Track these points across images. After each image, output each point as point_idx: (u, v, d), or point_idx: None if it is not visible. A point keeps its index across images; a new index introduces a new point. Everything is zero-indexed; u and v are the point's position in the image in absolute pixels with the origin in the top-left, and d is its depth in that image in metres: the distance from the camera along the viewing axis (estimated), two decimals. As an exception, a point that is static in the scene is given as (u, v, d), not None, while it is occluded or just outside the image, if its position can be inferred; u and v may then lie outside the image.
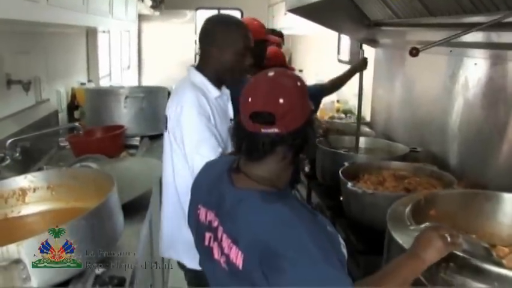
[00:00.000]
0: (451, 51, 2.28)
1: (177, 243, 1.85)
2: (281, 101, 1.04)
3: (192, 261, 1.68)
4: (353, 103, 4.12)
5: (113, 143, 2.57)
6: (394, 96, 3.14)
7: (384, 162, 2.30)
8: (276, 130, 1.04)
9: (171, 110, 1.77)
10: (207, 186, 1.21)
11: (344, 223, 2.08)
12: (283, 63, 3.00)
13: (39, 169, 2.29)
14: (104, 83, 4.23)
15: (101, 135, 2.74)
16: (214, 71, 1.84)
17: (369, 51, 3.56)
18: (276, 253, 0.95)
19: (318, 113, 3.95)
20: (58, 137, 2.94)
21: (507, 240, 1.43)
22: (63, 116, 3.29)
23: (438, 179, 2.06)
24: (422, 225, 1.16)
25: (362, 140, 2.86)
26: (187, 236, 1.33)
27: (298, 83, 1.10)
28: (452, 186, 1.86)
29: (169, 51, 6.90)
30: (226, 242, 1.06)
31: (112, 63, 4.89)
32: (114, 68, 5.04)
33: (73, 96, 3.36)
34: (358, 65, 2.96)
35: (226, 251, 1.06)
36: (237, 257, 1.01)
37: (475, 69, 2.08)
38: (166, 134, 1.85)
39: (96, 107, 3.06)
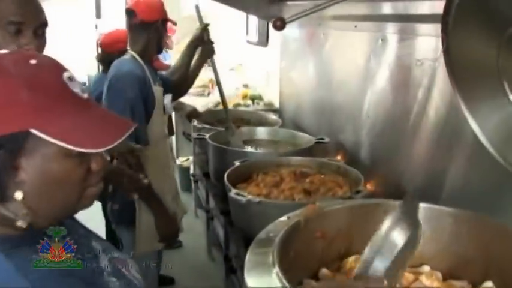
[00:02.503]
0: (355, 26, 2.00)
1: None
2: None
3: None
4: (262, 89, 3.74)
5: None
6: (302, 79, 2.82)
7: (283, 158, 1.99)
8: None
9: None
10: None
11: (238, 233, 1.71)
12: (123, 47, 2.26)
13: None
14: None
15: None
16: None
17: (275, 32, 3.17)
18: None
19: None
20: None
21: (418, 258, 1.06)
22: None
23: (345, 175, 1.78)
24: None
25: (264, 130, 2.57)
26: None
27: None
28: (359, 187, 1.54)
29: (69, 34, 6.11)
30: None
31: None
32: None
33: None
34: (204, 52, 2.38)
35: None
36: None
37: (381, 46, 1.83)
38: None
39: None
